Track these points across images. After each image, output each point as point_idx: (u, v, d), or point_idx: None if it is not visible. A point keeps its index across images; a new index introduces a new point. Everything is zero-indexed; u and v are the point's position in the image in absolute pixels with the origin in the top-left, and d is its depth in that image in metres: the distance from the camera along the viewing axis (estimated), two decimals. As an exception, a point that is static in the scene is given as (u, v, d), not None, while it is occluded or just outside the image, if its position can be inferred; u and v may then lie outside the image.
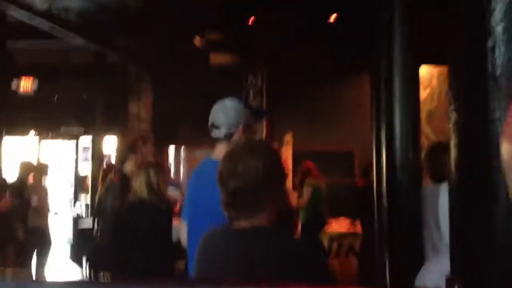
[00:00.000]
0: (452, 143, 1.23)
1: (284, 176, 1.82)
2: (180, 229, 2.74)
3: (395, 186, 3.24)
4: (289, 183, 7.17)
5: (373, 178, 3.64)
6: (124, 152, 4.76)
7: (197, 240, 2.36)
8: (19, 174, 6.62)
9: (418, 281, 1.88)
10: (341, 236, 6.82)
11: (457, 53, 1.29)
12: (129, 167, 4.71)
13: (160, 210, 4.07)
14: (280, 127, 9.51)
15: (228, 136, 2.40)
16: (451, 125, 1.24)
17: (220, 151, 2.42)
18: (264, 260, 1.61)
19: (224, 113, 2.41)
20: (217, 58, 9.58)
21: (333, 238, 6.70)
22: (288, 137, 7.85)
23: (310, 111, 9.77)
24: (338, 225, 7.29)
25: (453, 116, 1.24)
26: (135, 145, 4.69)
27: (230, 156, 1.74)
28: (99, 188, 5.77)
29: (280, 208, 1.78)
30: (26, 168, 6.58)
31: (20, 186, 6.39)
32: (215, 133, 2.45)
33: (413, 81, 3.31)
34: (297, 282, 1.18)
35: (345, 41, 8.42)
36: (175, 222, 4.99)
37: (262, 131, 9.55)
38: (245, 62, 9.61)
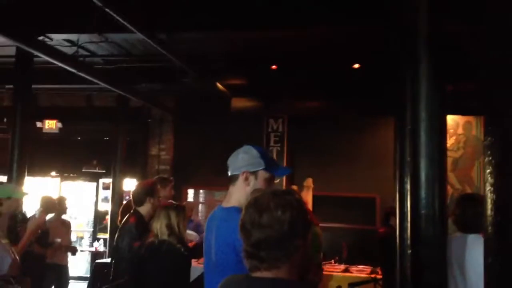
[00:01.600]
0: (488, 199, 1.21)
1: (308, 228, 1.76)
2: (198, 269, 2.72)
3: (419, 235, 3.18)
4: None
5: (396, 226, 3.57)
6: (142, 195, 4.77)
7: (209, 285, 2.35)
8: (40, 207, 6.68)
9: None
10: (361, 283, 6.69)
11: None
12: (146, 209, 4.72)
13: (179, 252, 4.07)
14: (300, 171, 9.48)
15: (234, 179, 2.44)
16: (487, 190, 1.23)
17: (229, 195, 2.47)
18: None
19: (235, 156, 2.46)
20: (239, 103, 9.69)
21: (352, 284, 6.56)
22: (309, 182, 7.82)
23: (331, 156, 9.76)
24: (358, 271, 7.17)
25: (489, 178, 1.23)
26: (154, 189, 4.71)
27: (255, 205, 1.69)
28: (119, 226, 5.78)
29: (302, 261, 1.73)
30: (46, 202, 6.64)
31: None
32: (228, 173, 2.49)
33: (440, 129, 3.29)
34: None
35: (370, 88, 8.47)
36: (195, 263, 4.95)
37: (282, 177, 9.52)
38: (267, 107, 9.69)
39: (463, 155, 8.74)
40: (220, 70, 8.63)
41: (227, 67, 8.54)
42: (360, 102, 9.02)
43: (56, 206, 6.70)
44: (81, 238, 11.46)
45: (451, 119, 8.60)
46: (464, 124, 8.89)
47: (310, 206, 7.34)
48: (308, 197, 7.49)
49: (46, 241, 6.24)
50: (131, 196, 4.80)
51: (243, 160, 2.43)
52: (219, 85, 9.07)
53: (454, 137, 8.82)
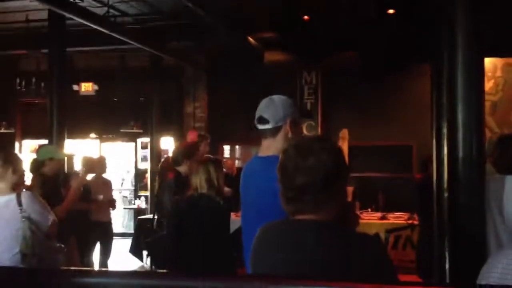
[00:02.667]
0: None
1: (348, 171, 1.76)
2: (238, 222, 2.77)
3: (457, 179, 3.14)
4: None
5: (433, 172, 3.54)
6: (180, 156, 4.86)
7: (248, 234, 2.37)
8: (81, 168, 6.86)
9: (481, 277, 1.80)
10: (398, 229, 6.74)
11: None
12: (183, 169, 4.82)
13: (219, 205, 4.15)
14: (335, 123, 9.43)
15: (275, 131, 2.39)
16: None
17: (266, 147, 2.42)
18: (329, 253, 1.58)
19: (273, 107, 2.39)
20: (272, 56, 9.60)
21: (390, 231, 6.62)
22: (344, 133, 7.78)
23: (366, 106, 9.64)
24: (395, 218, 7.20)
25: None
26: (191, 152, 4.79)
27: (298, 149, 1.67)
28: (158, 184, 5.94)
29: (343, 204, 1.75)
30: (87, 162, 6.82)
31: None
32: (262, 127, 2.42)
33: (477, 72, 3.19)
34: (361, 278, 1.15)
35: (405, 34, 8.24)
36: (235, 216, 5.07)
37: (317, 127, 9.50)
38: (300, 60, 9.57)
39: (502, 98, 8.47)
40: (251, 24, 8.52)
41: (259, 20, 8.42)
42: (395, 50, 8.80)
43: (96, 165, 6.88)
44: (125, 197, 11.80)
45: (489, 61, 8.30)
46: (502, 66, 8.58)
47: (346, 156, 7.32)
48: (344, 148, 7.47)
49: (89, 199, 6.44)
50: (171, 155, 4.91)
51: (284, 109, 2.39)
52: (251, 39, 8.98)
53: (492, 80, 8.54)
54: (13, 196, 3.38)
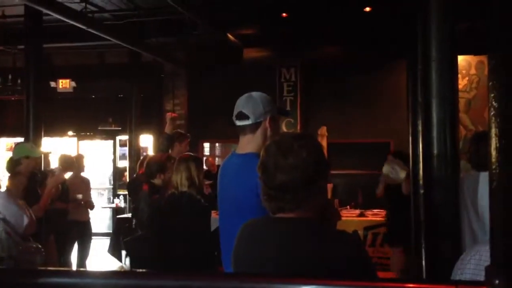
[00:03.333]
0: (493, 132, 1.20)
1: (328, 169, 1.75)
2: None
3: (431, 175, 3.17)
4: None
5: (410, 168, 3.57)
6: (154, 170, 4.84)
7: (226, 232, 2.37)
8: (58, 166, 6.78)
9: (455, 273, 1.83)
10: (376, 226, 6.82)
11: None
12: (157, 182, 4.80)
13: (200, 203, 4.14)
14: (315, 120, 9.48)
15: (255, 127, 2.37)
16: (491, 114, 1.21)
17: (245, 143, 2.41)
18: (308, 251, 1.59)
19: (253, 103, 2.38)
20: (251, 53, 9.59)
21: (368, 228, 6.69)
22: (323, 130, 7.81)
23: (345, 103, 9.71)
24: (373, 215, 7.28)
25: (493, 105, 1.21)
26: (164, 166, 4.77)
27: (278, 147, 1.67)
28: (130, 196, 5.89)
29: (323, 202, 1.76)
30: (65, 160, 6.74)
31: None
32: (241, 123, 2.40)
33: (451, 70, 3.23)
34: (342, 276, 1.16)
35: (380, 30, 8.31)
36: (214, 214, 5.06)
37: (296, 124, 9.53)
38: (279, 56, 9.59)
39: (476, 95, 8.59)
40: (230, 20, 8.51)
41: (238, 17, 8.41)
42: (372, 47, 8.88)
43: (74, 164, 6.81)
44: (102, 194, 11.70)
45: (463, 59, 8.41)
46: (476, 64, 8.70)
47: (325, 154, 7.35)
48: (322, 145, 7.50)
49: (67, 197, 6.37)
50: (144, 167, 4.90)
51: (264, 105, 2.37)
52: (230, 36, 8.97)
53: (466, 78, 8.66)
54: None
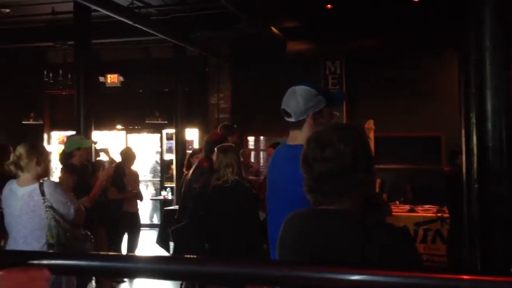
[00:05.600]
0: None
1: (372, 161, 1.72)
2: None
3: (486, 168, 3.06)
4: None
5: (462, 163, 3.46)
6: (211, 146, 4.88)
7: (275, 222, 2.37)
8: (121, 160, 6.98)
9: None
10: (428, 222, 6.64)
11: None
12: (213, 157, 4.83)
13: (250, 191, 4.19)
14: (360, 113, 9.33)
15: (298, 124, 2.36)
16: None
17: (293, 136, 2.40)
18: (349, 243, 1.57)
19: (294, 101, 2.36)
20: (295, 46, 9.52)
21: (419, 223, 6.51)
22: (369, 123, 7.67)
23: (392, 96, 9.51)
24: (424, 211, 7.09)
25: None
26: (221, 143, 4.80)
27: (316, 140, 1.67)
28: (186, 173, 5.96)
29: (367, 195, 1.72)
30: (127, 154, 6.94)
31: (120, 172, 6.72)
32: (287, 119, 2.41)
33: (506, 59, 3.10)
34: (386, 267, 1.13)
35: (429, 21, 8.08)
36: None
37: (342, 118, 9.41)
38: (323, 49, 9.48)
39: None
40: (274, 13, 8.46)
41: (281, 10, 8.36)
42: (420, 37, 8.64)
43: (135, 157, 7.02)
44: (149, 187, 11.91)
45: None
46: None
47: (372, 148, 7.23)
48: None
49: (124, 188, 6.56)
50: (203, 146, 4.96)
51: (306, 102, 2.34)
52: (273, 29, 8.93)
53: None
54: (35, 186, 3.41)
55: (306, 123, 2.34)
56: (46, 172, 3.55)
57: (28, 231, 3.39)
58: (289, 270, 1.02)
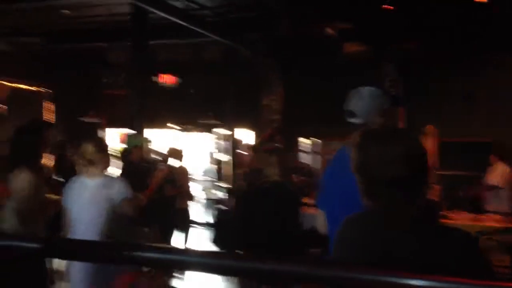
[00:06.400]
0: None
1: (427, 167, 1.67)
2: (317, 217, 2.71)
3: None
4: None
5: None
6: (260, 145, 4.89)
7: (334, 228, 2.33)
8: (165, 162, 7.09)
9: None
10: (492, 231, 6.34)
11: None
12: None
13: (293, 193, 4.17)
14: (419, 117, 9.06)
15: (365, 124, 2.32)
16: None
17: (356, 139, 2.35)
18: (409, 246, 1.53)
19: (360, 100, 2.33)
20: (350, 47, 9.38)
21: (481, 233, 6.24)
22: (429, 129, 7.42)
23: (454, 99, 9.19)
24: (489, 220, 6.78)
25: None
26: (272, 137, 4.80)
27: (376, 143, 1.64)
28: (239, 172, 6.02)
29: (422, 200, 1.67)
30: (174, 152, 7.06)
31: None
32: (352, 121, 2.37)
33: None
34: (448, 273, 1.09)
35: (489, 23, 7.78)
36: (311, 210, 5.05)
37: (398, 122, 9.18)
38: (380, 51, 9.29)
39: None
40: (329, 15, 8.37)
41: (336, 11, 8.25)
42: (479, 40, 8.32)
43: (181, 155, 7.13)
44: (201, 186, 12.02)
45: None
46: None
47: (433, 154, 7.01)
48: (429, 144, 7.14)
49: (176, 185, 6.68)
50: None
51: (373, 102, 2.33)
52: (329, 30, 8.83)
53: None
54: (104, 180, 3.58)
55: (372, 124, 2.31)
56: (108, 165, 3.72)
57: (94, 222, 3.50)
58: (345, 271, 1.01)
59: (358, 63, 9.26)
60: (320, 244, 5.26)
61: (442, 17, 8.06)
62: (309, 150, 11.15)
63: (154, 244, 1.14)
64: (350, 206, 1.96)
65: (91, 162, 3.58)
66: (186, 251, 1.15)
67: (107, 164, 3.68)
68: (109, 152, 3.77)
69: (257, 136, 9.68)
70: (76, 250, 1.16)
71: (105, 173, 3.68)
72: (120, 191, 3.54)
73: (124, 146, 5.36)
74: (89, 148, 3.60)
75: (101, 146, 3.69)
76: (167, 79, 11.04)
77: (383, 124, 2.30)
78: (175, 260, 1.12)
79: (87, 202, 3.54)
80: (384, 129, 1.74)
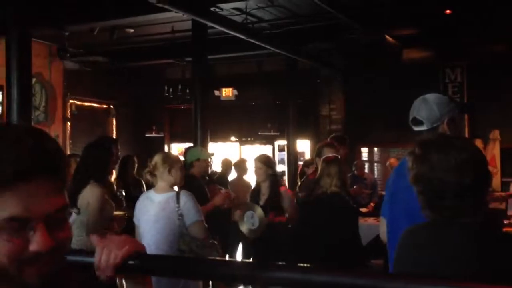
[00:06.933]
0: None
1: (489, 174, 1.64)
2: (380, 225, 2.67)
3: None
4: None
5: None
6: (318, 151, 4.86)
7: (397, 238, 2.28)
8: (221, 170, 7.18)
9: None
10: None
11: None
12: None
13: (350, 204, 4.11)
14: (483, 123, 8.72)
15: (431, 132, 2.26)
16: None
17: (415, 150, 2.30)
18: (472, 256, 1.50)
19: (427, 107, 2.28)
20: (411, 54, 9.18)
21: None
22: (495, 134, 7.15)
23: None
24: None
25: None
26: (331, 147, 4.75)
27: (433, 152, 1.59)
28: (298, 183, 5.99)
29: (486, 208, 1.64)
30: (226, 164, 7.10)
31: (222, 181, 6.92)
32: (417, 129, 2.32)
33: None
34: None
35: None
36: (369, 221, 4.94)
37: (464, 128, 8.88)
38: (442, 56, 9.04)
39: None
40: (388, 21, 8.23)
41: (396, 17, 8.10)
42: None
43: (231, 166, 7.17)
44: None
45: None
46: None
47: (497, 160, 6.74)
48: (495, 150, 6.88)
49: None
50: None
51: (440, 109, 2.28)
52: (388, 37, 8.68)
53: None
54: (172, 194, 3.58)
55: (439, 131, 2.27)
56: (179, 180, 3.69)
57: (162, 236, 3.53)
58: (405, 283, 0.98)
59: (420, 68, 9.05)
60: (383, 254, 5.15)
61: (506, 21, 7.75)
62: (371, 159, 10.96)
63: (239, 260, 1.14)
64: (414, 216, 1.92)
65: (156, 176, 3.61)
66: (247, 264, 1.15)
67: (177, 178, 3.64)
68: (179, 165, 3.71)
69: (317, 147, 9.61)
70: (157, 265, 1.15)
71: (178, 187, 3.66)
72: (188, 206, 3.54)
73: (184, 159, 5.39)
74: (154, 162, 3.63)
75: (167, 159, 3.66)
76: (227, 92, 11.19)
77: (450, 132, 2.25)
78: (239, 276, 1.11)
79: (154, 216, 3.57)
80: (444, 137, 1.71)
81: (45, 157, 0.90)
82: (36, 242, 0.88)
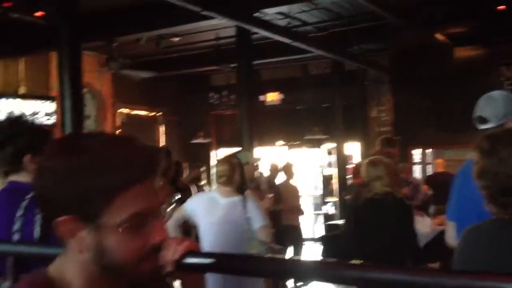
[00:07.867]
0: None
1: None
2: (446, 229, 2.62)
3: None
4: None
5: None
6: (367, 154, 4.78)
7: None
8: (269, 174, 7.17)
9: None
10: None
11: None
12: None
13: (405, 202, 4.01)
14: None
15: (497, 130, 2.18)
16: None
17: (481, 144, 2.22)
18: None
19: (492, 104, 2.23)
20: (462, 52, 8.90)
21: None
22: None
23: None
24: None
25: None
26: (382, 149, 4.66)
27: (501, 146, 1.55)
28: (347, 186, 5.92)
29: None
30: (272, 167, 7.08)
31: (270, 185, 6.91)
32: (482, 127, 2.25)
33: None
34: None
35: None
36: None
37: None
38: (496, 53, 8.71)
39: None
40: (438, 20, 7.99)
41: (446, 15, 7.86)
42: None
43: (284, 172, 7.13)
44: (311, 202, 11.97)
45: None
46: None
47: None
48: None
49: (280, 201, 6.68)
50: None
51: (507, 106, 2.22)
52: (438, 36, 8.44)
53: None
54: (238, 199, 3.63)
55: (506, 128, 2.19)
56: (244, 185, 3.74)
57: (227, 240, 3.56)
58: (470, 279, 0.97)
59: (471, 67, 8.76)
60: (439, 258, 4.99)
61: None
62: (423, 161, 10.68)
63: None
64: (479, 217, 1.85)
65: (223, 181, 3.66)
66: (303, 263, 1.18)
67: (241, 183, 3.69)
68: (243, 170, 3.74)
69: (366, 149, 9.45)
70: (246, 265, 1.19)
71: (244, 192, 3.70)
72: (254, 210, 3.59)
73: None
74: (220, 168, 3.70)
75: (232, 165, 3.71)
76: (273, 96, 11.16)
77: None
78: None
79: (218, 219, 3.60)
80: (502, 138, 1.63)
81: (155, 160, 1.02)
82: (156, 235, 0.97)
